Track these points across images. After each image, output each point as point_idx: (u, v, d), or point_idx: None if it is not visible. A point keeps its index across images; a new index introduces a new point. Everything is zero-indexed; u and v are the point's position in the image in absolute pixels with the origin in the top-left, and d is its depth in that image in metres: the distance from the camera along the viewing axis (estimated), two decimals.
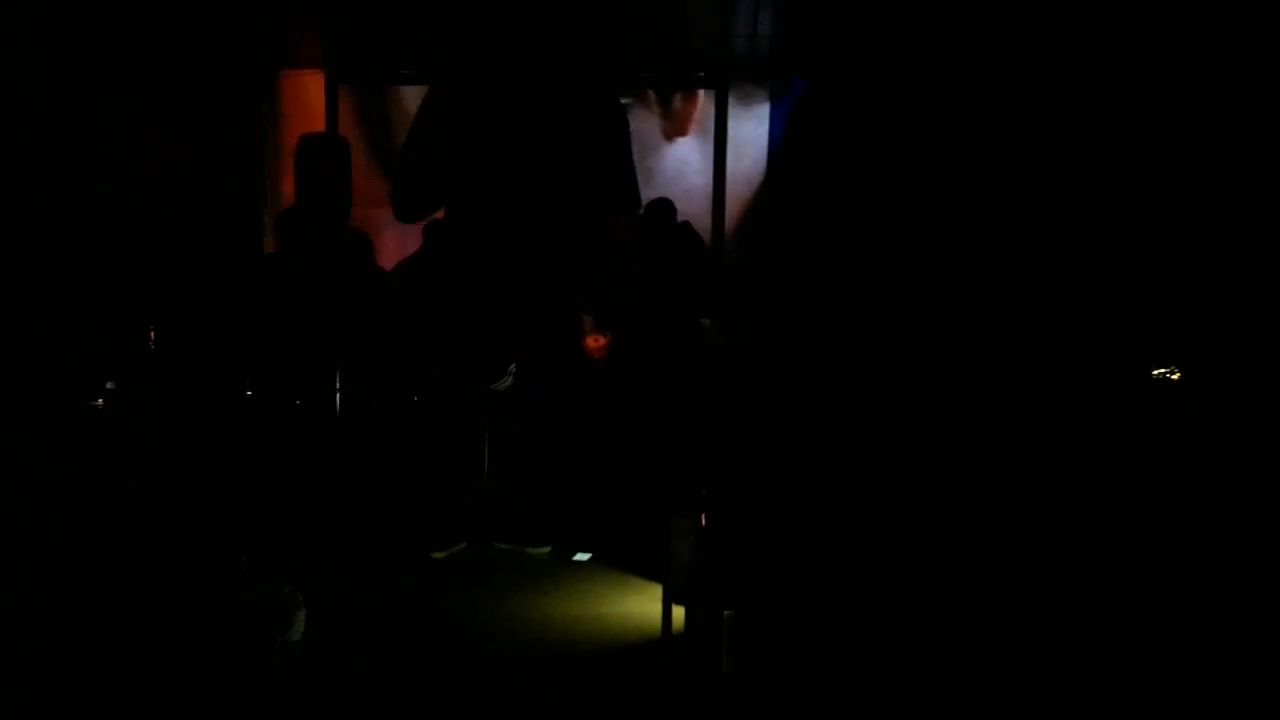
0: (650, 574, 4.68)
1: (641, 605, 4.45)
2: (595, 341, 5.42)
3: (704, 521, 3.98)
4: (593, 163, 5.57)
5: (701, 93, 6.65)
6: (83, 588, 3.81)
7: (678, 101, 6.66)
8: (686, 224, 5.91)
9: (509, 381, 5.29)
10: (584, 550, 5.24)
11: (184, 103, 5.42)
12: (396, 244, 6.25)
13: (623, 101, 6.49)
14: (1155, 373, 4.13)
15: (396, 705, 3.51)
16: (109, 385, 4.34)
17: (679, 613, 3.90)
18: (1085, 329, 4.34)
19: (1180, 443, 3.94)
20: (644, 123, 6.64)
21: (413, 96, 6.65)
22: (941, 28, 4.83)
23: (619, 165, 5.64)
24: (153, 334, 4.54)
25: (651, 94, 6.67)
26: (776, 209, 6.34)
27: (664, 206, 5.66)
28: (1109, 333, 4.30)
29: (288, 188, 6.27)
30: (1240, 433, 3.85)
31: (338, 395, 5.12)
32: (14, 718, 3.18)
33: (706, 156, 6.64)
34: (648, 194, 6.10)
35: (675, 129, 6.68)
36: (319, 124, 6.57)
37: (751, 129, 6.60)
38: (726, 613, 3.81)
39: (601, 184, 5.62)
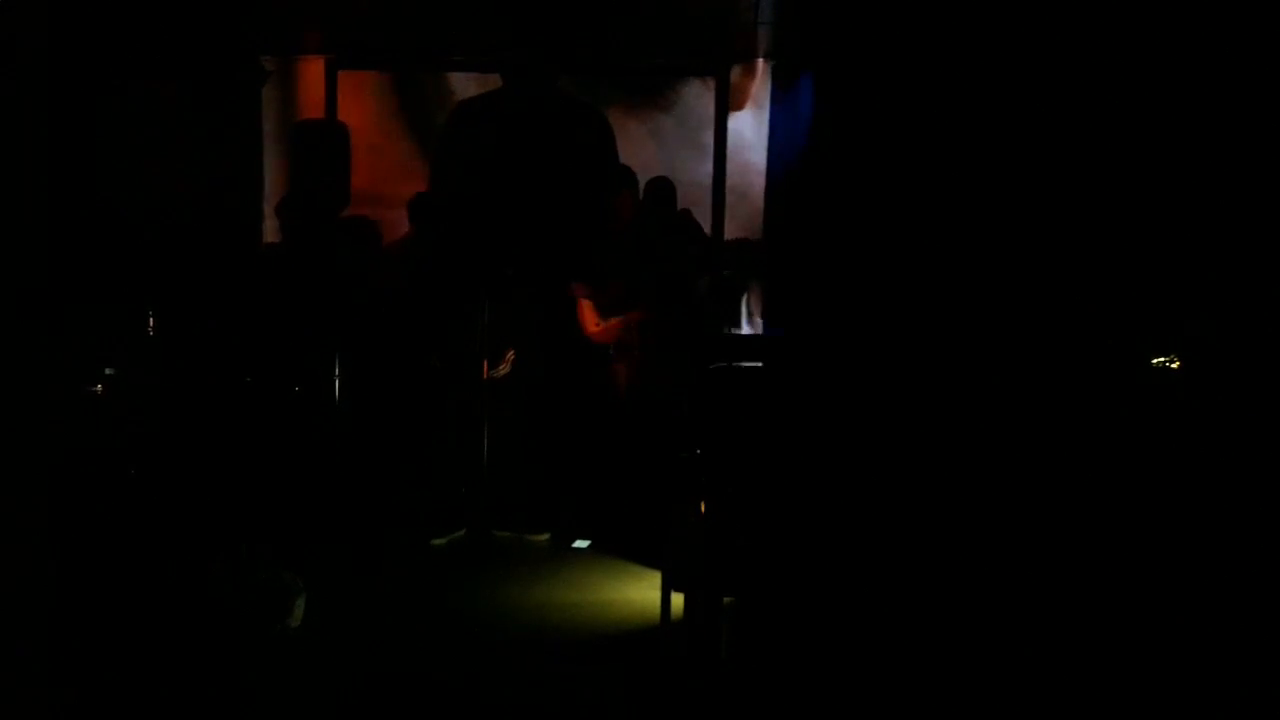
0: (649, 561, 4.69)
1: (641, 592, 4.46)
2: (597, 326, 5.42)
3: (704, 509, 3.98)
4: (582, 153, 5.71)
5: (760, 66, 6.54)
6: (83, 572, 3.82)
7: (735, 75, 6.60)
8: (686, 211, 5.91)
9: (507, 369, 5.29)
10: (583, 537, 5.24)
11: (184, 89, 5.41)
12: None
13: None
14: (1155, 361, 4.13)
15: (396, 691, 3.51)
16: (108, 371, 4.34)
17: (678, 600, 3.90)
18: (1087, 319, 4.34)
19: (1180, 431, 3.94)
20: (698, 98, 6.59)
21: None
22: (947, 21, 4.82)
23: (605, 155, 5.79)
24: (152, 320, 4.53)
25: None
26: (777, 199, 6.33)
27: (663, 187, 5.65)
28: (1110, 322, 4.30)
29: (287, 174, 6.27)
30: (1240, 420, 3.86)
31: (337, 382, 5.12)
32: (15, 699, 3.18)
33: (762, 133, 6.56)
34: (703, 169, 6.06)
35: (732, 103, 6.61)
36: (321, 110, 6.54)
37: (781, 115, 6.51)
38: (726, 599, 3.81)
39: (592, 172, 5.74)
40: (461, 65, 6.62)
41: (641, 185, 5.64)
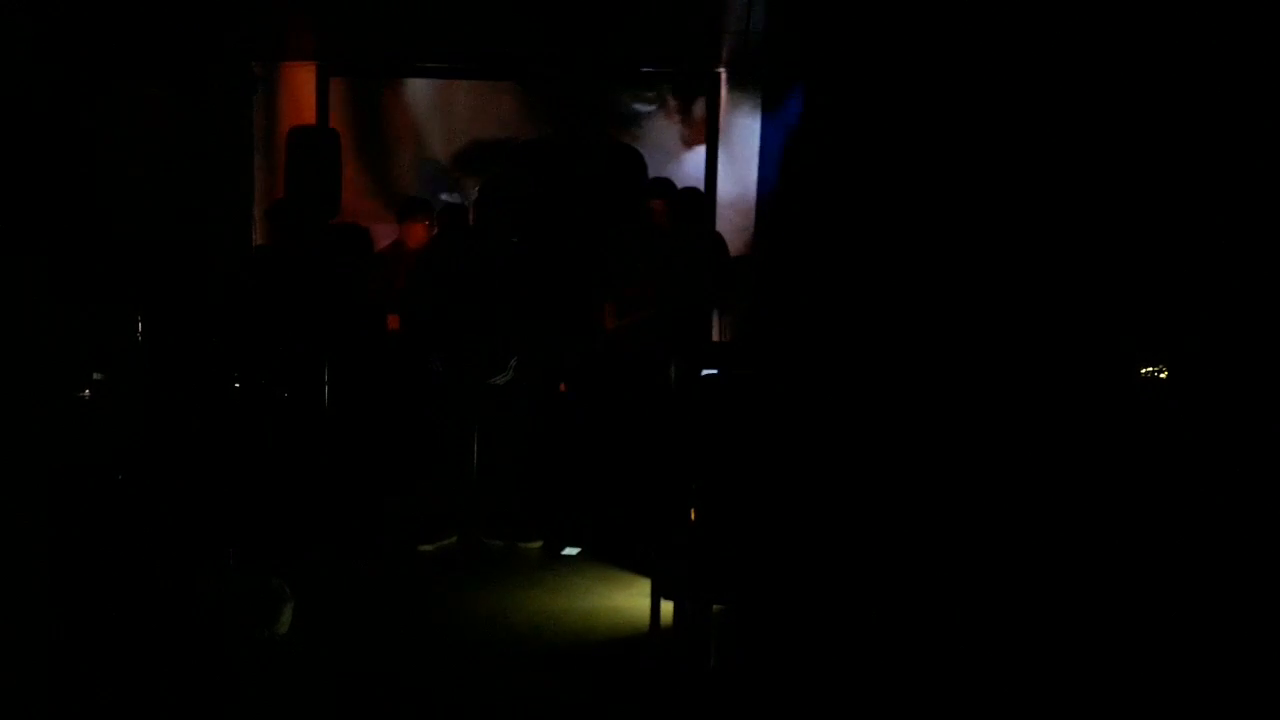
0: (639, 569, 4.68)
1: (630, 600, 4.45)
2: (612, 323, 5.49)
3: (694, 516, 3.97)
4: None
5: (724, 100, 6.62)
6: (69, 579, 3.80)
7: (698, 108, 6.67)
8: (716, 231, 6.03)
9: (510, 375, 5.26)
10: (573, 545, 5.23)
11: (174, 94, 5.41)
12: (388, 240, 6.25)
13: (642, 109, 6.62)
14: (1143, 371, 4.14)
15: (384, 699, 3.50)
16: (96, 376, 4.32)
17: (668, 607, 3.90)
18: (1075, 327, 4.35)
19: (1169, 441, 3.95)
20: (663, 130, 6.66)
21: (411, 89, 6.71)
22: (938, 28, 4.84)
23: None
24: (140, 325, 4.52)
25: (671, 100, 6.68)
26: (772, 208, 6.35)
27: (691, 198, 5.74)
28: (1099, 331, 4.31)
29: (278, 180, 6.27)
30: (1228, 431, 3.87)
31: (326, 387, 5.11)
32: (4, 706, 3.16)
33: (726, 165, 6.62)
34: None
35: (695, 136, 6.68)
36: (312, 116, 6.54)
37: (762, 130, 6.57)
38: (715, 607, 3.81)
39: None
40: (454, 72, 6.65)
41: None
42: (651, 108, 6.66)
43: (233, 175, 6.08)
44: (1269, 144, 3.98)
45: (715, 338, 6.18)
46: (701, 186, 6.48)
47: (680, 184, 6.18)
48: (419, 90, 6.70)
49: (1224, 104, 4.12)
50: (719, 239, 5.96)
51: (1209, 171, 4.17)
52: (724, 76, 6.58)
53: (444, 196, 6.64)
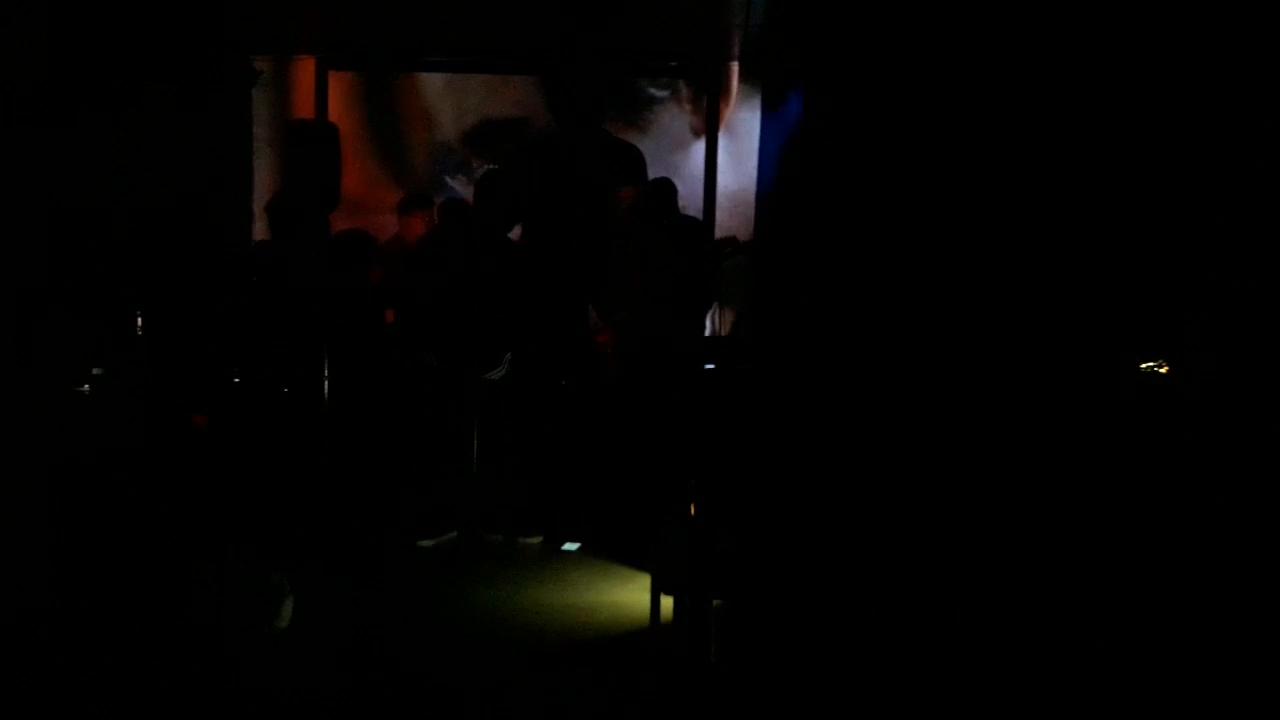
0: (639, 564, 4.68)
1: (630, 595, 4.45)
2: (594, 321, 5.49)
3: (693, 511, 3.97)
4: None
5: (735, 91, 6.61)
6: (69, 574, 3.80)
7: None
8: (694, 220, 5.98)
9: (504, 371, 5.26)
10: (573, 540, 5.23)
11: (173, 89, 5.40)
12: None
13: (656, 93, 6.60)
14: (1144, 366, 4.14)
15: (383, 693, 3.50)
16: (96, 371, 4.32)
17: (668, 602, 3.90)
18: (1075, 322, 4.35)
19: (1169, 435, 3.95)
20: (674, 118, 6.66)
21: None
22: (938, 27, 4.84)
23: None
24: (140, 320, 4.52)
25: (685, 89, 6.67)
26: (771, 205, 6.35)
27: (663, 188, 5.70)
28: (1099, 324, 4.31)
29: (278, 174, 6.26)
30: (1228, 426, 3.87)
31: (326, 383, 5.10)
32: (6, 701, 3.17)
33: (734, 156, 6.61)
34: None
35: (701, 127, 6.68)
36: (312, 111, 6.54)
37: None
38: (715, 602, 3.81)
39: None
40: (451, 66, 6.65)
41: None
42: (665, 93, 6.67)
43: (233, 169, 6.07)
44: (1268, 144, 3.98)
45: (716, 333, 6.17)
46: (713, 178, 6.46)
47: (688, 176, 6.16)
48: (431, 74, 6.70)
49: (1223, 104, 4.12)
50: (692, 230, 5.92)
51: (1209, 170, 4.17)
52: (735, 70, 6.56)
53: (448, 179, 6.64)
